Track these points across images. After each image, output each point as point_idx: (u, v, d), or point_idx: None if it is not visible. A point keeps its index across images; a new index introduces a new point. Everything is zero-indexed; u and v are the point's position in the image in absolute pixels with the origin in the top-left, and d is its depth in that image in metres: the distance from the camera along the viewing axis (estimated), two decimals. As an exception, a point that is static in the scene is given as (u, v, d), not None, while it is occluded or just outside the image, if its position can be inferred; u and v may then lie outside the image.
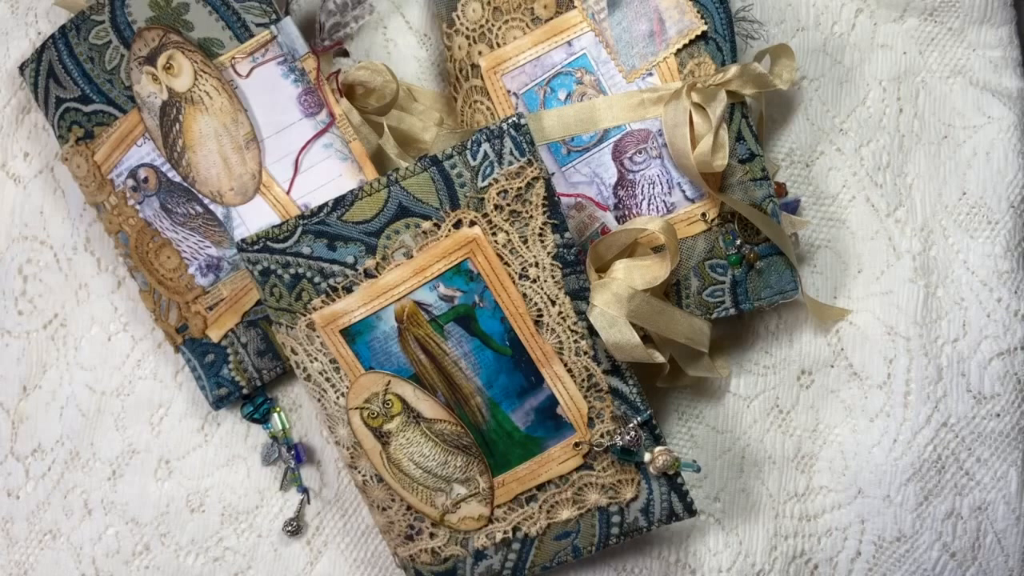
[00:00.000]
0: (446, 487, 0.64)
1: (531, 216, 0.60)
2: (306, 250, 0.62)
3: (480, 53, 0.68)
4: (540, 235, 0.61)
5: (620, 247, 0.63)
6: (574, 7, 0.67)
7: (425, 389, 0.62)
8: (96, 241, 0.75)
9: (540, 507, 0.64)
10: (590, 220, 0.67)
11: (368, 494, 0.65)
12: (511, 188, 0.60)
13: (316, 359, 0.63)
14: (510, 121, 0.60)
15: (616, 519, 0.64)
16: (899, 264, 0.73)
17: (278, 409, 0.73)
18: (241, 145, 0.66)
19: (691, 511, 0.64)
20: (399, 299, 0.61)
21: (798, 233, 0.72)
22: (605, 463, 0.63)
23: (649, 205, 0.67)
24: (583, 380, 0.62)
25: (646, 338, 0.63)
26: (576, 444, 0.62)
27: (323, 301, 0.62)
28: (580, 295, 0.61)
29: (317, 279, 0.62)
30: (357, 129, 0.67)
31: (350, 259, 0.61)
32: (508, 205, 0.60)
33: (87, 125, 0.68)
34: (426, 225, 0.61)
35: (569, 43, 0.67)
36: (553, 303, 0.61)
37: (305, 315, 0.62)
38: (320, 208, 0.61)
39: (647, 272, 0.61)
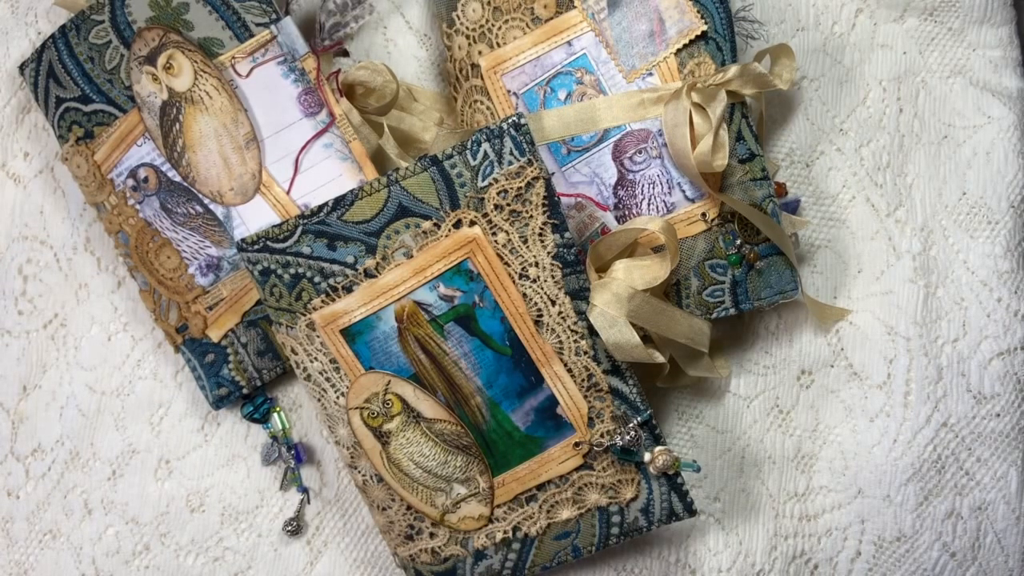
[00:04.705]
0: (446, 487, 0.64)
1: (531, 216, 0.60)
2: (306, 250, 0.62)
3: (480, 53, 0.68)
4: (540, 235, 0.61)
5: (620, 247, 0.63)
6: (574, 7, 0.67)
7: (425, 389, 0.62)
8: (96, 241, 0.75)
9: (540, 507, 0.64)
10: (590, 220, 0.67)
11: (368, 494, 0.65)
12: (511, 188, 0.60)
13: (316, 359, 0.63)
14: (510, 121, 0.60)
15: (616, 519, 0.64)
16: (899, 264, 0.73)
17: (278, 409, 0.73)
18: (241, 145, 0.66)
19: (691, 511, 0.64)
20: (399, 299, 0.61)
21: (798, 233, 0.72)
22: (605, 463, 0.63)
23: (649, 205, 0.67)
24: (583, 380, 0.62)
25: (646, 338, 0.63)
26: (576, 444, 0.62)
27: (323, 301, 0.62)
28: (580, 295, 0.61)
29: (317, 279, 0.62)
30: (357, 129, 0.67)
31: (350, 259, 0.61)
32: (508, 205, 0.60)
33: (87, 125, 0.68)
34: (426, 225, 0.61)
35: (569, 43, 0.67)
36: (553, 303, 0.61)
37: (305, 315, 0.62)
38: (320, 208, 0.61)
39: (647, 272, 0.61)
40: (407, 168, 0.61)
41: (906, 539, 0.71)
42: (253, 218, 0.66)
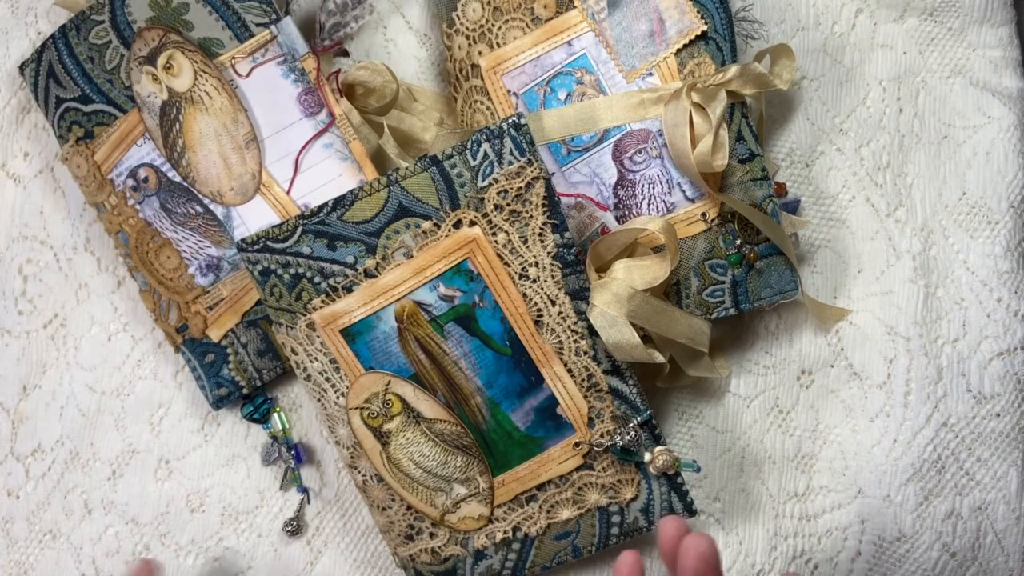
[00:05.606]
0: (446, 487, 0.64)
1: (531, 216, 0.60)
2: (306, 250, 0.62)
3: (480, 53, 0.68)
4: (540, 235, 0.61)
5: (620, 247, 0.63)
6: (574, 7, 0.67)
7: (425, 389, 0.62)
8: (96, 241, 0.75)
9: (540, 507, 0.64)
10: (590, 220, 0.67)
11: (368, 494, 0.65)
12: (511, 188, 0.60)
13: (316, 359, 0.63)
14: (510, 121, 0.60)
15: (616, 519, 0.64)
16: (899, 264, 0.73)
17: (278, 409, 0.73)
18: (241, 145, 0.66)
19: (691, 511, 0.64)
20: (399, 299, 0.61)
21: (798, 233, 0.72)
22: (605, 463, 0.63)
23: (649, 205, 0.67)
24: (583, 380, 0.62)
25: (646, 338, 0.63)
26: (576, 444, 0.62)
27: (323, 301, 0.62)
28: (580, 295, 0.61)
29: (317, 279, 0.62)
30: (357, 129, 0.67)
31: (350, 259, 0.61)
32: (508, 205, 0.60)
33: (87, 125, 0.68)
34: (426, 225, 0.61)
35: (569, 43, 0.67)
36: (553, 303, 0.61)
37: (305, 315, 0.62)
38: (320, 208, 0.61)
39: (647, 272, 0.61)
40: (407, 168, 0.61)
41: (906, 539, 0.71)
42: (253, 218, 0.66)
